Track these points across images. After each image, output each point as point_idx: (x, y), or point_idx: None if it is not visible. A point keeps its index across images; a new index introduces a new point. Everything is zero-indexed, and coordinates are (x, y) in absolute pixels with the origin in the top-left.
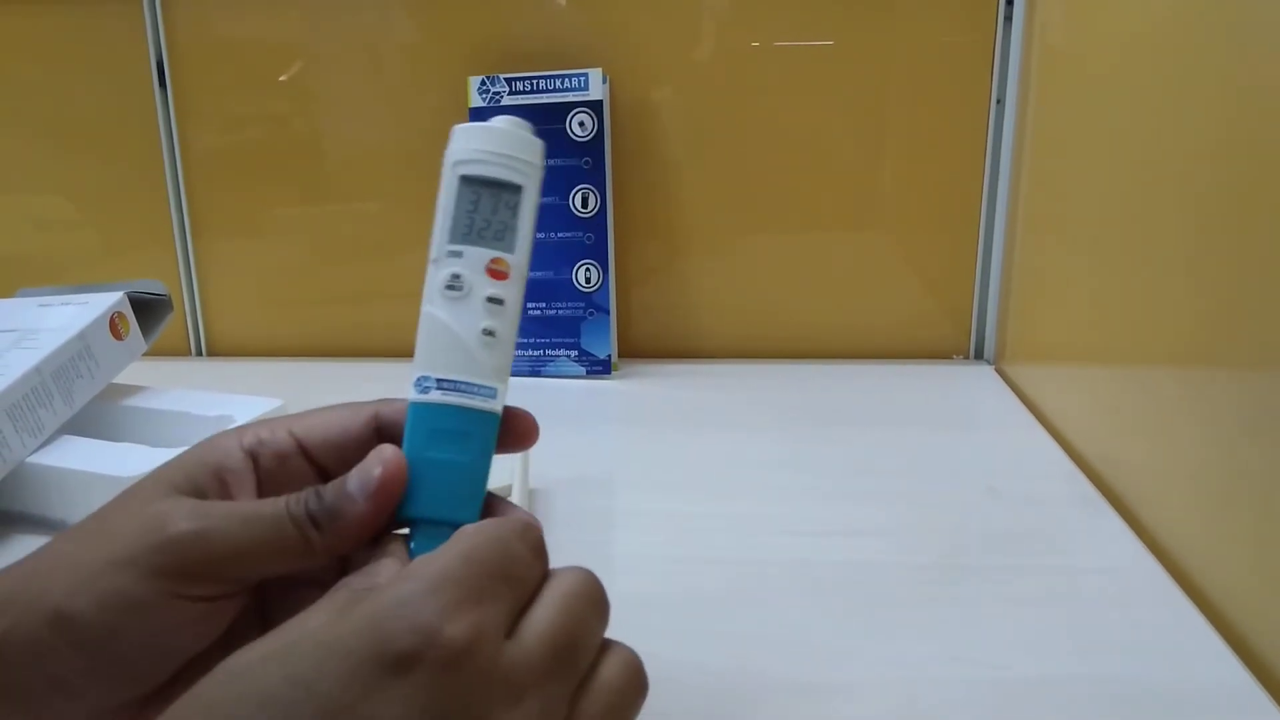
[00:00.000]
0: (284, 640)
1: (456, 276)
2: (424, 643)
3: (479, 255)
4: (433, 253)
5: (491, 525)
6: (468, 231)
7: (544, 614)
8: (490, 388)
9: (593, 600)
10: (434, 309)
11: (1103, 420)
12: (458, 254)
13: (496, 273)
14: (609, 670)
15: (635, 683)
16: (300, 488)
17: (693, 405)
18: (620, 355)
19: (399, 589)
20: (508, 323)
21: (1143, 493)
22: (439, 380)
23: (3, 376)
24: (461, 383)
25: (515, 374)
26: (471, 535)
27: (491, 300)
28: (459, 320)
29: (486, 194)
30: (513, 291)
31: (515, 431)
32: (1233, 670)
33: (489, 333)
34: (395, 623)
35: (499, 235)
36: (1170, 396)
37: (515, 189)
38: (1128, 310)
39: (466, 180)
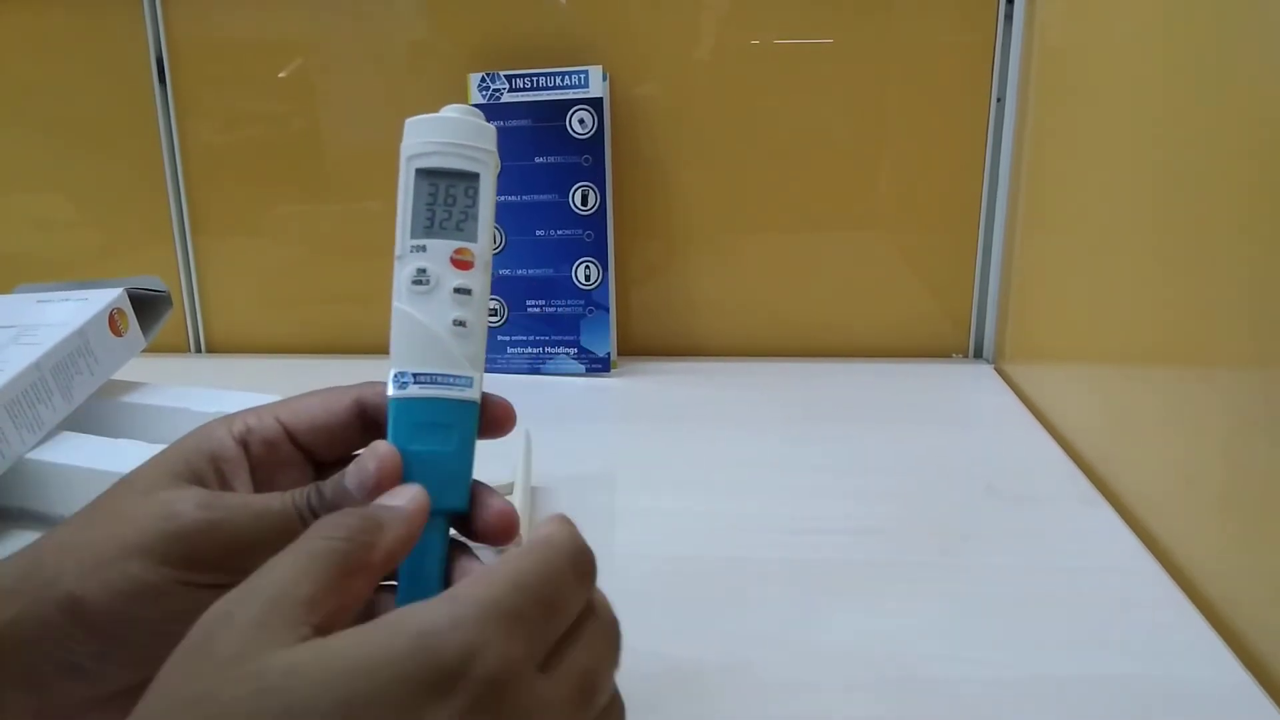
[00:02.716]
0: (317, 654)
1: (422, 271)
2: (468, 665)
3: (442, 247)
4: (397, 249)
5: (546, 549)
6: (429, 225)
7: (578, 652)
8: (466, 377)
9: (614, 644)
10: (404, 305)
11: (1102, 419)
12: (421, 248)
13: (461, 263)
14: (611, 712)
15: None
16: (290, 472)
17: (692, 403)
18: (620, 353)
19: (450, 609)
20: (477, 311)
21: (1142, 492)
22: (415, 375)
23: (2, 372)
24: (438, 375)
25: (515, 372)
26: (525, 557)
27: (459, 291)
28: (429, 314)
29: (444, 185)
30: (479, 280)
31: (493, 418)
32: (1231, 670)
33: (460, 323)
34: (444, 642)
35: (460, 225)
36: (1170, 395)
37: (472, 177)
38: (1128, 309)
39: (423, 173)
